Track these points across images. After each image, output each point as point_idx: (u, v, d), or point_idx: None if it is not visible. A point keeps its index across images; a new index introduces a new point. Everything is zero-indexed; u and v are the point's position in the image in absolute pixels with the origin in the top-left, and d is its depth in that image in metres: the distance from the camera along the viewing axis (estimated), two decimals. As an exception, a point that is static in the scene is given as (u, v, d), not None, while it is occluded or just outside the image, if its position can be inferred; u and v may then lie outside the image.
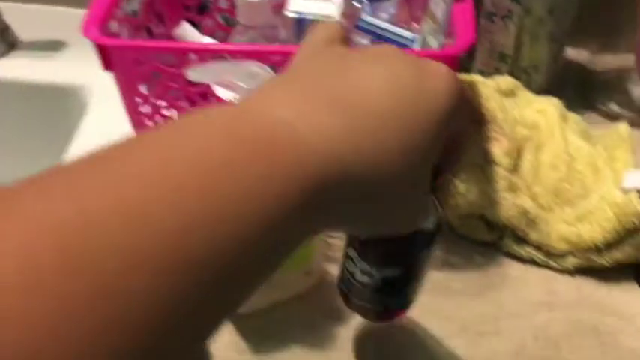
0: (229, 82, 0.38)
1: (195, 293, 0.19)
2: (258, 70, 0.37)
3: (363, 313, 0.47)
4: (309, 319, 0.50)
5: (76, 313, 0.16)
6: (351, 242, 0.41)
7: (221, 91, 0.49)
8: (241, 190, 0.20)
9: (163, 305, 0.18)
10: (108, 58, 0.47)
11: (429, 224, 0.35)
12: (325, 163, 0.22)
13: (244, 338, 0.49)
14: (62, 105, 0.72)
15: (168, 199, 0.19)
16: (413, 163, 0.25)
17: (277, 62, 0.43)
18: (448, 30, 0.49)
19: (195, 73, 0.38)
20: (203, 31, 0.61)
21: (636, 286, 0.52)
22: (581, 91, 0.68)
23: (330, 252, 0.53)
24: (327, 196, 0.22)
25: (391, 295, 0.45)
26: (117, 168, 0.19)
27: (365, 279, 0.43)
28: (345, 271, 0.44)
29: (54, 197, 0.18)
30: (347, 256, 0.43)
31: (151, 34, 0.55)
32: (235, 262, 0.20)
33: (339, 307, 0.49)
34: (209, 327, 0.21)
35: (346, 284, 0.45)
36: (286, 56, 0.44)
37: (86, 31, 0.45)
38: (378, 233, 0.29)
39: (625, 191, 0.50)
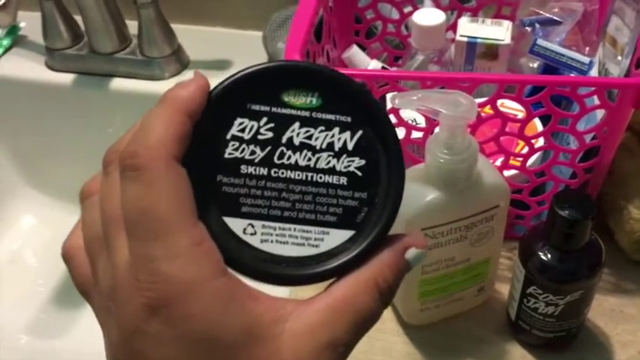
0: (431, 110, 0.40)
1: None
2: (463, 99, 0.40)
3: (542, 343, 0.49)
4: (478, 335, 0.52)
5: None
6: (533, 282, 0.46)
7: (406, 112, 0.52)
8: None
9: None
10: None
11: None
12: None
13: (418, 349, 0.51)
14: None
15: None
16: None
17: (467, 89, 0.46)
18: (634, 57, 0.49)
19: (401, 100, 0.40)
20: (370, 53, 0.65)
21: None
22: None
23: (499, 271, 0.54)
24: None
25: (573, 317, 0.46)
26: None
27: (550, 310, 0.45)
28: (524, 308, 0.47)
29: None
30: (526, 295, 0.46)
31: (327, 58, 0.59)
32: None
33: (506, 324, 0.51)
34: None
35: (527, 320, 0.47)
36: (476, 83, 0.46)
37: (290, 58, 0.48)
38: None
39: None
